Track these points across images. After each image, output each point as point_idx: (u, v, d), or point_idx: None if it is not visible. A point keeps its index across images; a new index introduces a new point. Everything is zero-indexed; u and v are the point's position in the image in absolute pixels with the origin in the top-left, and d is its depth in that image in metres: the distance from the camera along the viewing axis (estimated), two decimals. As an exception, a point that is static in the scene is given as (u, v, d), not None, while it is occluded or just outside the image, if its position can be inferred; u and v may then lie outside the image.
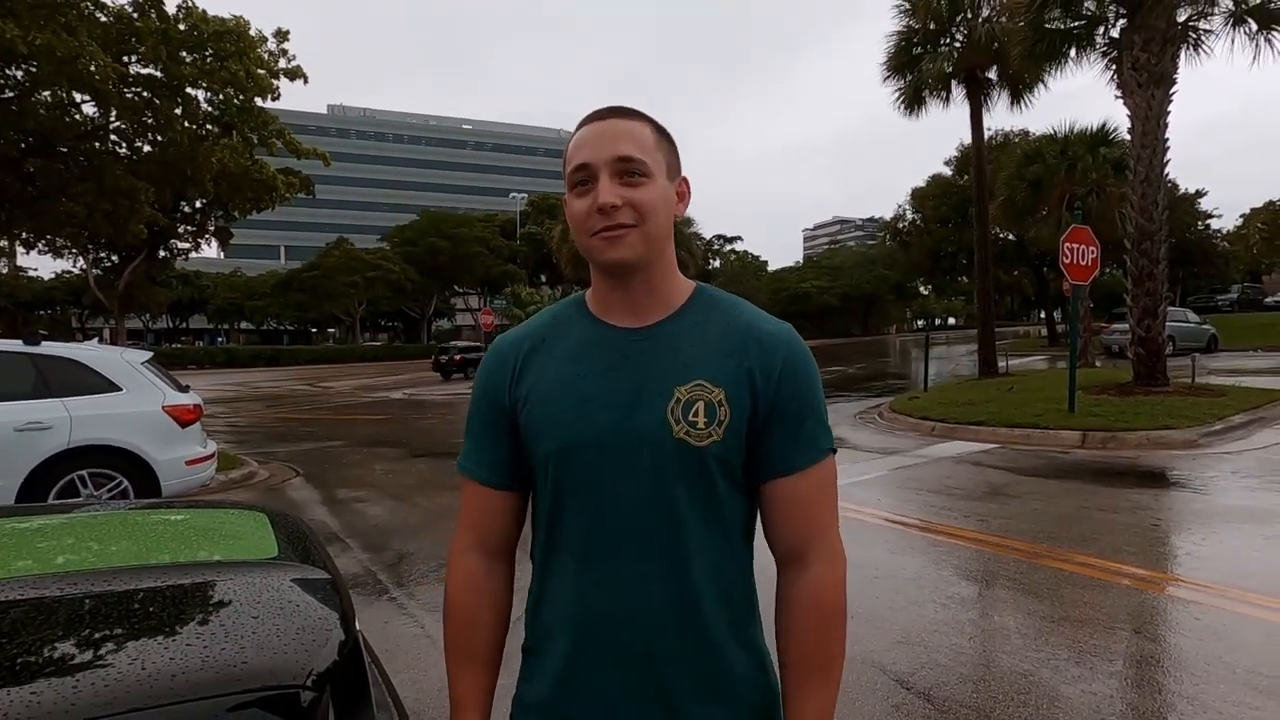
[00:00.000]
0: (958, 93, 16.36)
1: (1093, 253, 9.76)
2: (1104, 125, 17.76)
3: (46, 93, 10.28)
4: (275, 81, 12.13)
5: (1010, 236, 30.73)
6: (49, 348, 5.39)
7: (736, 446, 0.90)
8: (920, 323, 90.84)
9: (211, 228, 29.85)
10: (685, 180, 0.98)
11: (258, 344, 54.44)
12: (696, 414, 0.88)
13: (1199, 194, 44.65)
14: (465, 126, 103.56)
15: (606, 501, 0.90)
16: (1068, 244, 9.59)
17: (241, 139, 12.79)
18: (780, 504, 0.92)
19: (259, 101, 12.32)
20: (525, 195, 58.89)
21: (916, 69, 16.10)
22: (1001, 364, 16.75)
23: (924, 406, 10.97)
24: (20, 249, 28.16)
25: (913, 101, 16.37)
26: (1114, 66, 11.18)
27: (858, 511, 5.52)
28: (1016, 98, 16.10)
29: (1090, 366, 16.59)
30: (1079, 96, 16.32)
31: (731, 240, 68.88)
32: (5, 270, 43.89)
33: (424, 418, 14.35)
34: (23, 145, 10.74)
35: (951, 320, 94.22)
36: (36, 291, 51.29)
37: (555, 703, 0.93)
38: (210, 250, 36.54)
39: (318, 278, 47.78)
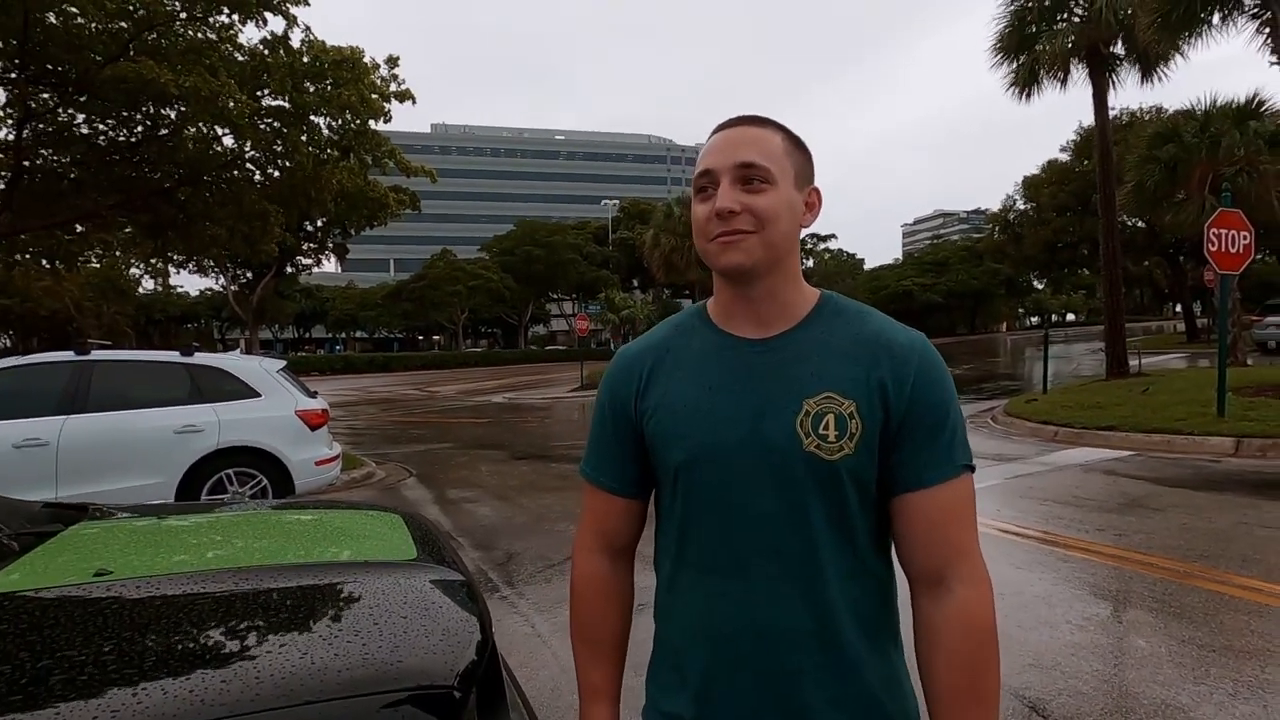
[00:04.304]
0: (1078, 72, 15.11)
1: (1244, 239, 8.76)
2: (1255, 96, 15.86)
3: (192, 129, 11.45)
4: (386, 104, 12.90)
5: (1140, 224, 28.09)
6: (200, 358, 5.98)
7: (869, 460, 0.88)
8: (1034, 319, 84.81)
9: (330, 245, 32.26)
10: (816, 190, 0.97)
11: (371, 351, 58.25)
12: (827, 427, 0.86)
13: (1374, 167, 39.11)
14: (558, 137, 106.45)
15: (736, 515, 0.90)
16: (1214, 230, 8.65)
17: (358, 160, 13.72)
18: (912, 520, 0.89)
19: (372, 124, 13.16)
20: (616, 201, 59.77)
21: (1030, 49, 15.04)
22: (1133, 362, 15.35)
23: (1044, 410, 10.21)
24: (172, 269, 31.53)
25: (1027, 84, 15.29)
26: (1267, 30, 10.01)
27: (975, 522, 5.19)
28: (1148, 73, 14.69)
29: (1241, 365, 14.87)
30: (1220, 68, 14.72)
31: (825, 239, 66.98)
32: (160, 288, 49.16)
33: (523, 421, 14.83)
34: (175, 176, 12.03)
35: (1070, 316, 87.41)
36: (184, 306, 57.34)
37: (698, 716, 0.93)
38: (329, 265, 39.57)
39: (424, 288, 50.55)
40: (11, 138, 10.83)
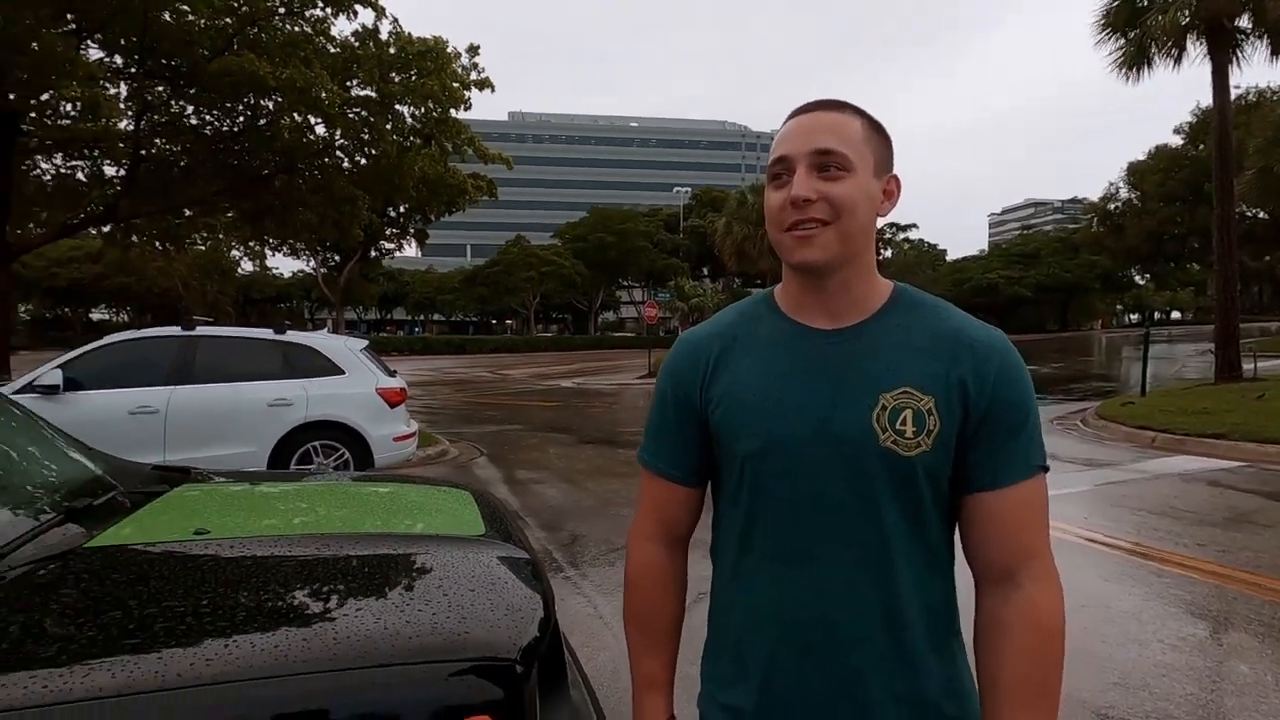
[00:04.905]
0: (1195, 49, 13.86)
1: (1388, 232, 7.87)
2: (1407, 72, 14.20)
3: (288, 119, 12.09)
4: (467, 93, 13.23)
5: (1261, 214, 25.77)
6: (291, 336, 6.34)
7: (945, 458, 0.86)
8: (1134, 317, 79.23)
9: (412, 230, 33.48)
10: (895, 178, 0.93)
11: (448, 334, 60.29)
12: (904, 422, 0.85)
13: None
14: (632, 124, 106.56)
15: (806, 505, 0.88)
16: (1350, 222, 7.82)
17: (439, 148, 14.16)
18: (986, 520, 0.87)
19: (453, 112, 13.53)
20: (688, 189, 59.39)
21: (1141, 24, 13.92)
22: (1247, 366, 14.10)
23: (1142, 414, 9.54)
24: (267, 252, 33.50)
25: (1135, 63, 14.14)
26: None
27: (1058, 528, 4.92)
28: (1278, 49, 13.35)
29: (1376, 372, 13.45)
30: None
31: (905, 228, 64.44)
32: (258, 269, 52.36)
33: (591, 406, 15.03)
34: (273, 164, 12.76)
35: (1175, 314, 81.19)
36: (279, 287, 60.90)
37: (758, 707, 0.92)
38: (410, 250, 41.05)
39: (498, 273, 51.82)
40: (131, 128, 11.74)
